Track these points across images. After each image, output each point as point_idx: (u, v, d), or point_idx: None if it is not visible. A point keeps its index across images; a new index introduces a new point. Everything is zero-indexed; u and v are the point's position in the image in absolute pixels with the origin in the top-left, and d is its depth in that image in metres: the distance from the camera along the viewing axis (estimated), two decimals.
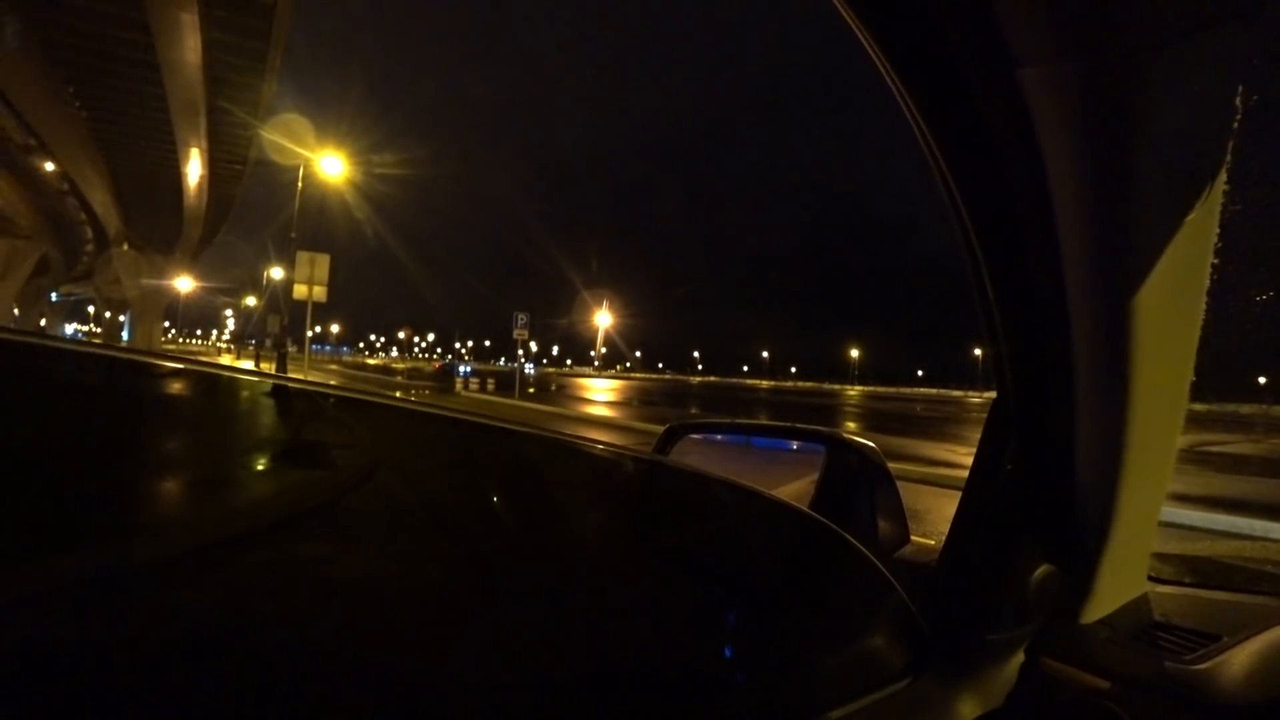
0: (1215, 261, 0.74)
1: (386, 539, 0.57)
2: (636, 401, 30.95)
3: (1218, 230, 0.73)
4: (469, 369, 43.11)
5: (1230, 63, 0.61)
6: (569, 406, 23.98)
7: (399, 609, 0.54)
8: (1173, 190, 0.67)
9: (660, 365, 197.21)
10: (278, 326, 22.62)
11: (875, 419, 26.98)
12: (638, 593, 0.69)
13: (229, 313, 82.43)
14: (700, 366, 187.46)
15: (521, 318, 26.33)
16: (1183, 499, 8.34)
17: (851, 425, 23.39)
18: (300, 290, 14.62)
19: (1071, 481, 0.86)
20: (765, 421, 1.40)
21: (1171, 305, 0.75)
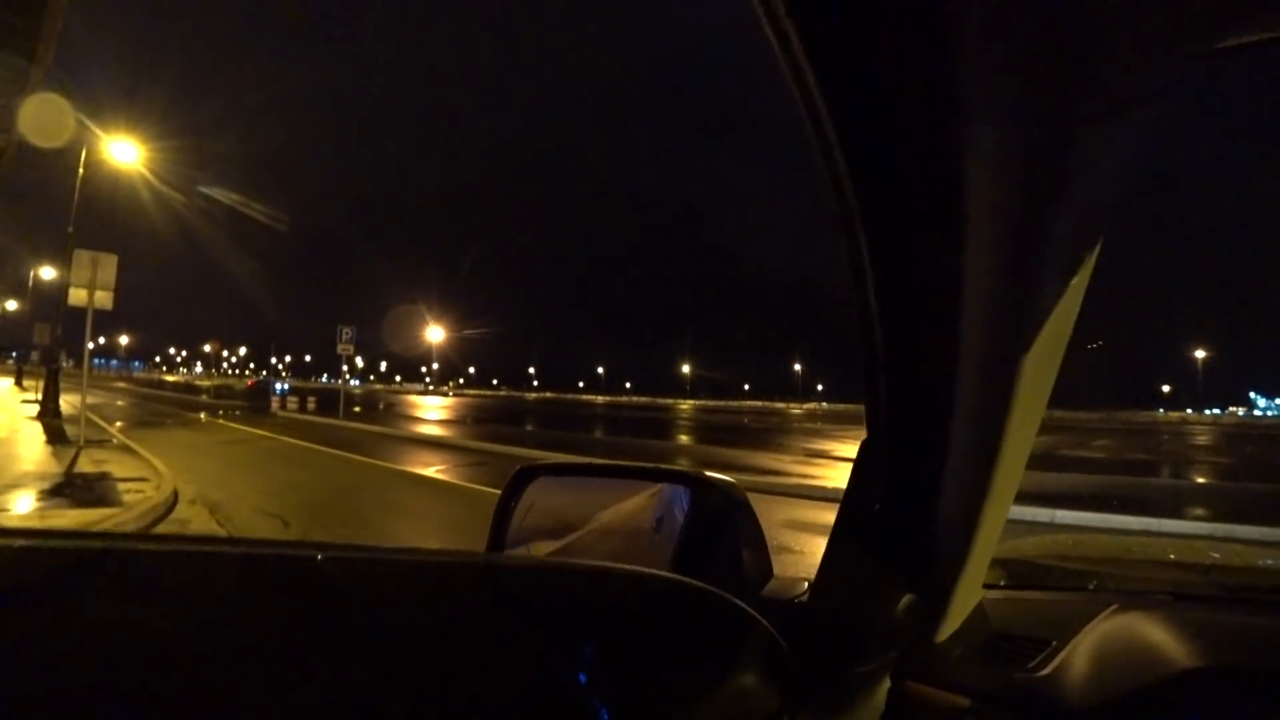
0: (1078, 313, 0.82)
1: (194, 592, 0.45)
2: (470, 420, 30.15)
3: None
4: (286, 386, 39.80)
5: (1148, 133, 0.65)
6: (398, 426, 22.78)
7: (220, 674, 0.43)
8: (1073, 251, 0.72)
9: (495, 382, 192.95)
10: (47, 337, 19.50)
11: (708, 431, 28.19)
12: (490, 689, 0.64)
13: None
14: (536, 383, 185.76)
15: (347, 331, 24.77)
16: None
17: (685, 439, 24.27)
18: (79, 295, 12.45)
19: (935, 515, 0.91)
20: (624, 463, 1.32)
21: (1046, 355, 0.80)
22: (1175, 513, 8.57)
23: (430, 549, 0.67)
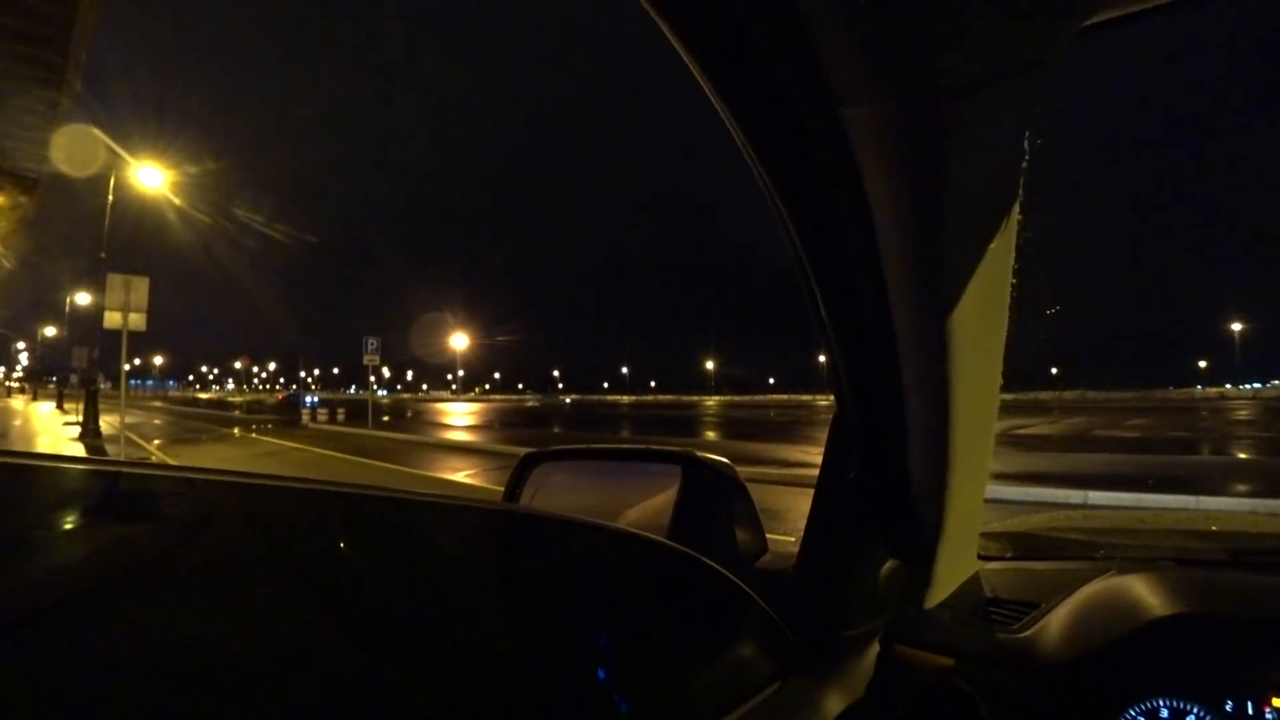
0: (1014, 281, 0.84)
1: (233, 595, 0.50)
2: (497, 424, 30.37)
3: (1015, 253, 0.82)
4: (316, 399, 40.47)
5: (1021, 110, 0.69)
6: (426, 433, 23.07)
7: (253, 671, 0.48)
8: (975, 220, 0.75)
9: (520, 386, 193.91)
10: (85, 360, 20.02)
11: (734, 426, 28.13)
12: (506, 634, 0.68)
13: (21, 345, 71.64)
14: (561, 385, 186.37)
15: (373, 342, 25.04)
16: (1001, 476, 9.43)
17: (712, 435, 24.22)
18: (113, 318, 12.80)
19: (908, 483, 0.94)
20: (619, 445, 1.41)
21: (980, 321, 0.83)
22: (1212, 489, 8.40)
23: (457, 495, 0.70)
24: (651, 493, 1.20)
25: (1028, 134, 0.71)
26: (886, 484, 0.95)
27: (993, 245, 0.76)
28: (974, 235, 0.76)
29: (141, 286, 13.02)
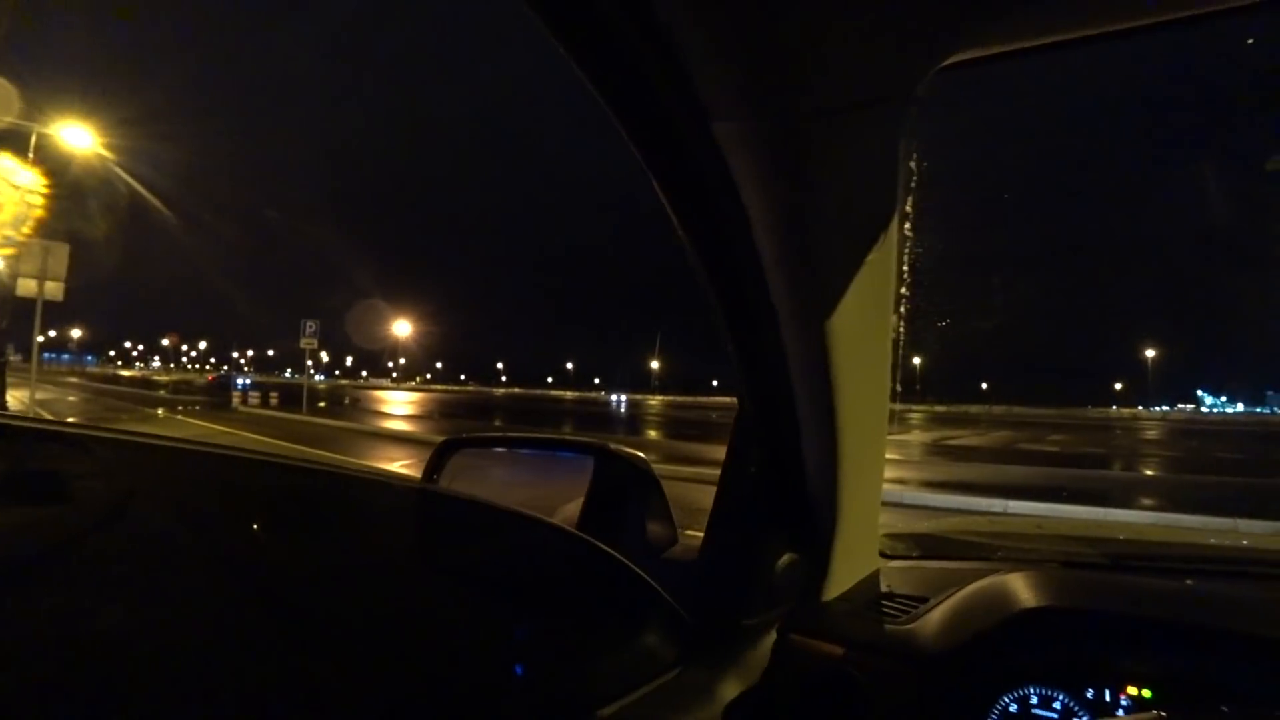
0: (905, 294, 0.89)
1: (148, 582, 0.50)
2: (436, 415, 29.82)
3: (904, 267, 0.87)
4: (248, 381, 38.97)
5: (889, 134, 0.72)
6: (363, 421, 22.50)
7: (170, 657, 0.48)
8: (848, 235, 0.79)
9: (463, 377, 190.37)
10: None
11: (676, 426, 28.26)
12: (415, 611, 0.69)
13: None
14: (505, 378, 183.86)
15: (310, 325, 24.23)
16: (929, 484, 9.79)
17: (653, 434, 24.33)
18: (27, 285, 12.01)
19: (803, 480, 0.99)
20: (535, 434, 1.44)
21: (862, 331, 0.88)
22: (1121, 503, 8.88)
23: (374, 468, 0.71)
24: (566, 483, 1.23)
25: (914, 156, 0.76)
26: (783, 482, 1.00)
27: (870, 258, 0.80)
28: (849, 249, 0.80)
29: (61, 254, 12.30)
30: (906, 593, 1.07)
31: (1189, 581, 1.08)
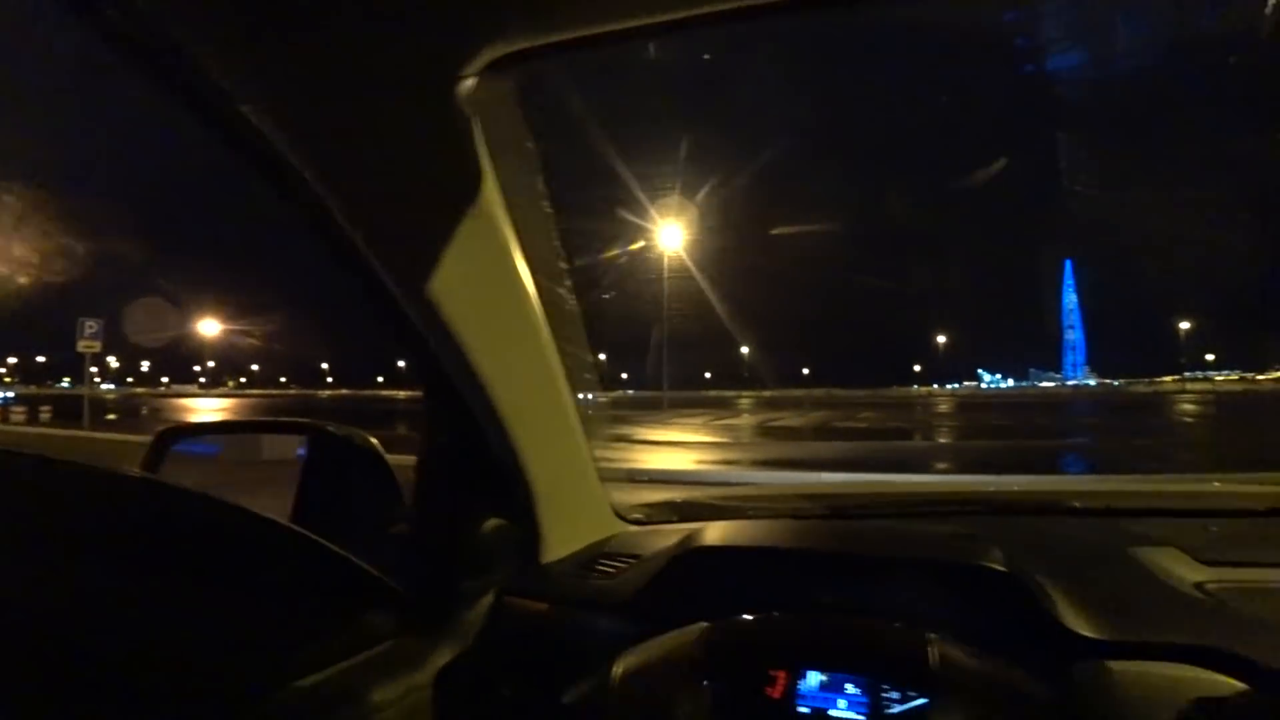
0: (567, 281, 0.98)
1: None
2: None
3: (558, 244, 0.95)
4: (11, 395, 33.69)
5: (458, 117, 0.73)
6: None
7: None
8: (445, 220, 0.81)
9: (284, 380, 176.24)
10: None
11: None
12: (116, 600, 0.68)
13: None
14: (330, 379, 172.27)
15: (91, 325, 21.11)
16: (756, 463, 10.46)
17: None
18: None
19: (489, 453, 1.02)
20: (249, 419, 1.47)
21: (497, 304, 0.91)
22: (920, 469, 9.97)
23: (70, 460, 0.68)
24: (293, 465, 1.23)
25: (532, 142, 0.82)
26: (474, 453, 1.03)
27: (482, 241, 0.84)
28: (444, 231, 0.82)
29: None
30: (625, 552, 1.12)
31: (885, 523, 1.26)
